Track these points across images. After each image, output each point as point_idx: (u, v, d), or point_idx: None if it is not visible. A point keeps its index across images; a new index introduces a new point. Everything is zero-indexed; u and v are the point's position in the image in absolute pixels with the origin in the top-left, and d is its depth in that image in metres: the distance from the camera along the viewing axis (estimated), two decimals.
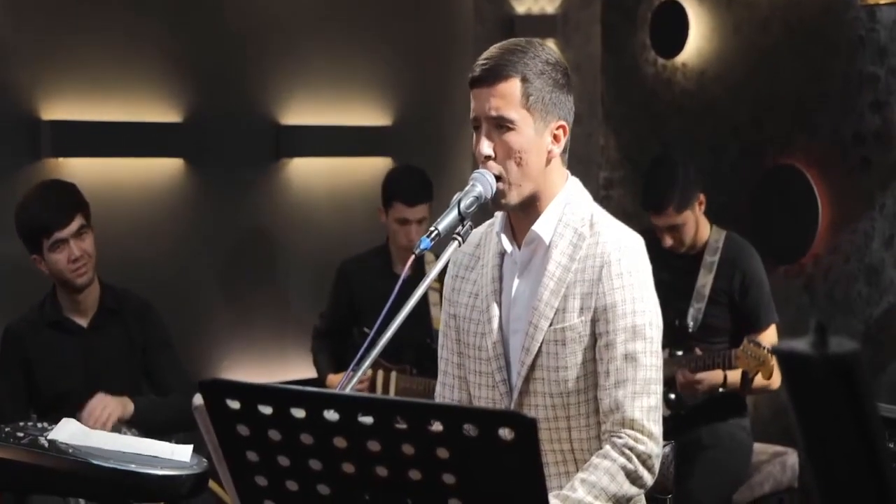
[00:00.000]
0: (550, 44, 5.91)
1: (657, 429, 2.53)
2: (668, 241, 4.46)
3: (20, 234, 3.93)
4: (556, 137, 2.59)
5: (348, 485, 1.83)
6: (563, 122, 2.60)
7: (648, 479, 2.52)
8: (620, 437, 2.50)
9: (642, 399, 2.52)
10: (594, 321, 2.54)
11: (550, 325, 2.56)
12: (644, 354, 2.53)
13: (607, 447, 2.51)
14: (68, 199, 3.91)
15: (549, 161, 2.59)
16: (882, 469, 1.32)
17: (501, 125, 2.53)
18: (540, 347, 2.57)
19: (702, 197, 4.50)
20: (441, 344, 2.79)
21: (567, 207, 2.61)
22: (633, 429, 2.50)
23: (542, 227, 2.59)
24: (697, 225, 4.49)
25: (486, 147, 2.54)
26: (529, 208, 2.60)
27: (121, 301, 4.07)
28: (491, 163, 2.54)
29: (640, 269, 2.58)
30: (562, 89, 2.59)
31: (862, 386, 1.28)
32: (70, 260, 3.86)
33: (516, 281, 2.64)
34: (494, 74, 2.53)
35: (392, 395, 4.60)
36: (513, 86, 2.52)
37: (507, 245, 2.63)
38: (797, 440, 1.35)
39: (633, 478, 2.49)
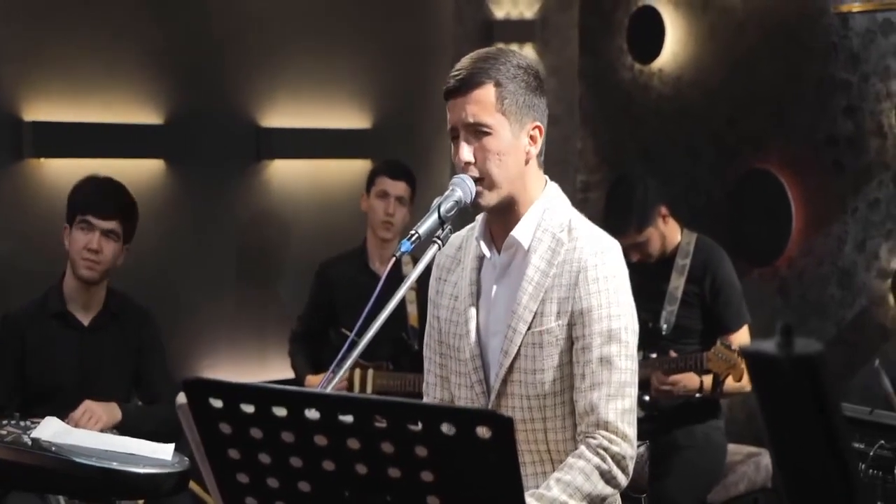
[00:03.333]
0: (529, 48, 5.97)
1: (631, 431, 2.58)
2: (636, 257, 4.50)
3: (69, 199, 4.03)
4: (532, 139, 2.63)
5: (328, 482, 1.86)
6: (538, 124, 2.65)
7: (622, 480, 2.56)
8: (595, 439, 2.54)
9: (617, 402, 2.56)
10: (571, 325, 2.58)
11: (529, 328, 2.60)
12: (619, 358, 2.57)
13: (582, 448, 2.55)
14: (119, 199, 4.03)
15: (526, 162, 2.63)
16: (847, 467, 1.35)
17: (479, 131, 2.58)
18: (518, 350, 2.61)
19: (664, 209, 4.54)
20: (426, 343, 2.83)
21: (546, 213, 2.65)
22: (607, 430, 2.55)
23: (521, 232, 2.63)
24: (663, 237, 4.55)
25: (466, 153, 2.58)
26: (508, 213, 2.64)
27: (123, 305, 4.12)
28: (471, 167, 2.58)
29: (616, 274, 2.62)
30: (535, 92, 2.64)
31: (827, 386, 1.32)
32: (86, 247, 3.92)
33: (495, 285, 2.68)
34: (468, 83, 2.57)
35: (369, 392, 4.65)
36: (487, 92, 2.57)
37: (486, 250, 2.68)
38: (765, 439, 1.39)
39: (608, 478, 2.53)
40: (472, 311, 2.68)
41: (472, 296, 2.69)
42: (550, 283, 2.60)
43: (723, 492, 4.55)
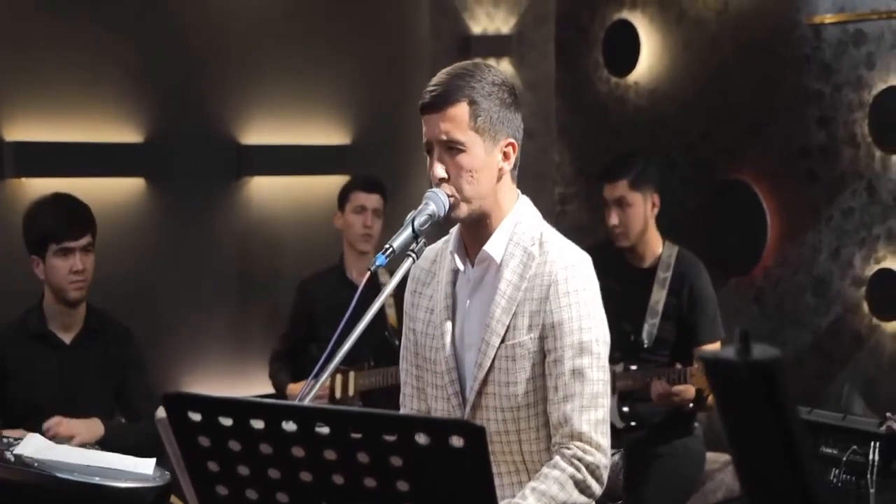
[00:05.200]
0: (506, 62, 6.01)
1: (605, 441, 2.61)
2: (614, 219, 4.51)
3: (28, 232, 4.00)
4: (505, 155, 2.66)
5: (306, 493, 1.89)
6: (511, 140, 2.68)
7: (597, 489, 2.60)
8: (569, 449, 2.58)
9: (590, 412, 2.59)
10: (542, 338, 2.62)
11: (502, 341, 2.63)
12: (591, 370, 2.60)
13: (557, 458, 2.58)
14: (84, 214, 4.02)
15: (499, 178, 2.66)
16: (805, 469, 1.38)
17: (452, 147, 2.61)
18: (492, 363, 2.64)
19: (656, 198, 4.58)
20: (402, 356, 2.86)
21: (518, 227, 2.68)
22: (581, 441, 2.58)
23: (493, 246, 2.67)
24: (647, 224, 4.56)
25: (439, 170, 2.62)
26: (480, 227, 2.68)
27: (103, 322, 4.12)
28: (445, 184, 2.62)
29: (586, 287, 2.65)
30: (509, 108, 2.67)
31: (784, 391, 1.35)
32: (72, 271, 3.93)
33: (469, 299, 2.72)
34: (443, 100, 2.60)
35: (352, 393, 4.69)
36: (461, 109, 2.60)
37: (460, 264, 2.71)
38: (726, 444, 1.42)
39: (582, 487, 2.57)
40: (448, 324, 2.72)
41: (447, 309, 2.72)
42: (522, 296, 2.63)
43: (701, 499, 4.59)
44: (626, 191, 4.52)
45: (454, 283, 2.74)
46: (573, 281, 2.63)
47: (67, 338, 4.05)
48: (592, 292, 2.66)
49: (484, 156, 2.62)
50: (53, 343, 4.02)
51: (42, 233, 3.96)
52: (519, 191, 2.75)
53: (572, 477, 2.56)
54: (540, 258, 2.64)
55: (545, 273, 2.63)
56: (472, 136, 2.61)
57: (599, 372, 2.62)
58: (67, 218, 3.97)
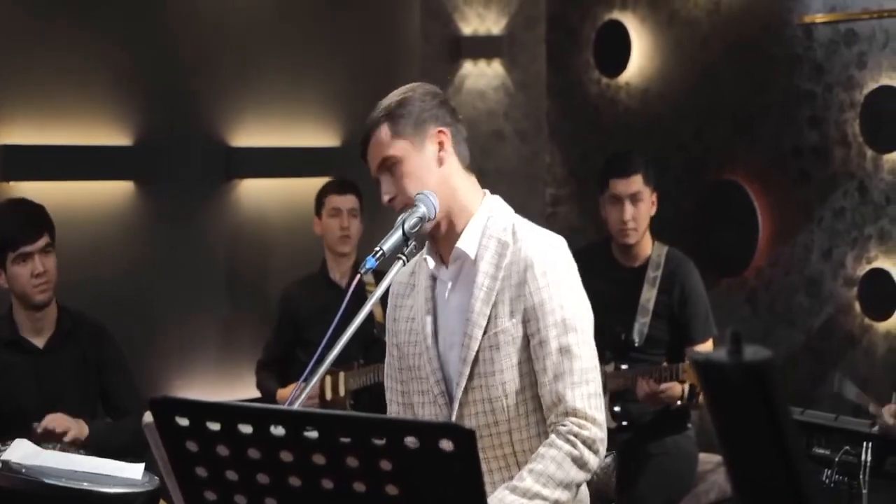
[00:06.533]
0: (496, 64, 6.00)
1: (600, 415, 2.63)
2: (628, 214, 4.50)
3: None
4: (440, 144, 2.70)
5: (295, 498, 1.87)
6: (440, 128, 2.71)
7: (594, 463, 2.61)
8: (565, 426, 2.59)
9: (582, 388, 2.61)
10: (525, 322, 2.64)
11: (484, 333, 2.65)
12: (577, 346, 2.62)
13: (552, 437, 2.60)
14: (38, 216, 3.97)
15: (440, 163, 2.68)
16: (797, 471, 1.37)
17: (388, 165, 2.68)
18: (476, 355, 2.66)
19: (655, 197, 4.58)
20: (386, 374, 2.89)
21: (490, 220, 2.71)
22: (576, 416, 2.60)
23: (465, 243, 2.69)
24: (648, 223, 4.57)
25: (384, 189, 2.69)
26: (448, 230, 2.71)
27: (76, 323, 4.09)
28: (395, 201, 2.68)
29: (562, 265, 2.67)
30: (432, 101, 2.72)
31: (776, 391, 1.34)
32: (33, 275, 3.89)
33: (447, 299, 2.73)
34: (366, 136, 2.72)
35: (342, 393, 4.68)
36: (381, 131, 2.69)
37: (431, 262, 2.73)
38: (717, 446, 1.41)
39: (580, 463, 2.58)
40: (430, 327, 2.73)
41: (428, 313, 2.74)
42: (500, 285, 2.65)
43: (693, 500, 4.59)
44: (641, 185, 4.52)
45: (433, 288, 2.76)
46: (549, 262, 2.65)
47: (40, 342, 4.02)
48: (569, 271, 2.69)
49: (416, 153, 2.67)
50: (26, 349, 4.00)
51: None
52: (486, 191, 2.78)
53: (569, 454, 2.57)
54: (514, 246, 2.67)
55: (520, 258, 2.65)
56: (398, 144, 2.67)
57: (586, 347, 2.64)
58: (21, 222, 3.93)
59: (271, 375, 4.90)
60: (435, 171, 2.68)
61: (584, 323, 2.66)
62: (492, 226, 2.69)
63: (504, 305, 2.64)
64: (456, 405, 2.69)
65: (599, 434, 2.61)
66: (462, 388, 2.68)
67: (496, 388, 2.65)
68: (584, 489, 2.76)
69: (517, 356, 2.65)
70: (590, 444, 2.59)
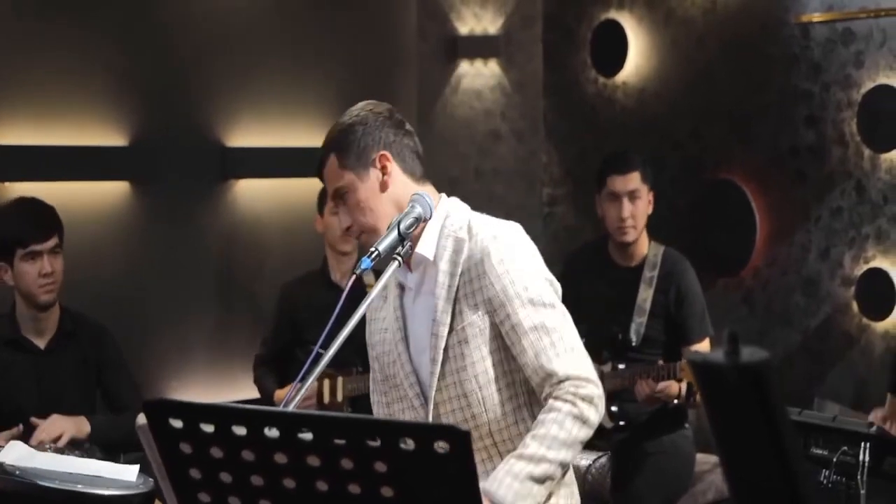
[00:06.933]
0: (493, 63, 5.99)
1: (592, 374, 2.64)
2: (627, 211, 4.49)
3: None
4: (383, 168, 2.73)
5: (290, 499, 1.87)
6: (382, 152, 2.74)
7: (595, 419, 2.62)
8: (562, 389, 2.60)
9: (567, 356, 2.63)
10: (490, 312, 2.66)
11: (451, 330, 2.68)
12: (550, 319, 2.64)
13: (550, 401, 2.61)
14: (50, 216, 3.98)
15: (384, 189, 2.72)
16: (793, 471, 1.37)
17: (340, 194, 2.74)
18: (446, 353, 2.68)
19: (651, 196, 4.58)
20: (371, 389, 2.92)
21: (447, 220, 2.73)
22: (570, 379, 2.61)
23: (424, 247, 2.71)
24: (645, 221, 4.56)
25: (342, 222, 2.78)
26: (411, 240, 2.70)
27: (78, 324, 4.09)
28: (352, 230, 2.75)
29: (518, 249, 2.69)
30: (371, 127, 2.74)
31: (773, 392, 1.34)
32: (41, 274, 3.89)
33: (414, 304, 2.76)
34: (320, 163, 2.76)
35: (340, 398, 4.67)
36: (330, 163, 2.75)
37: (400, 274, 2.75)
38: (714, 447, 1.41)
39: (582, 420, 2.59)
40: (400, 333, 2.77)
41: (397, 320, 2.78)
42: (460, 280, 2.68)
43: (691, 500, 4.58)
44: (639, 183, 4.52)
45: (401, 296, 2.80)
46: (503, 248, 2.67)
47: (42, 342, 4.02)
48: (525, 251, 2.71)
49: (363, 184, 2.72)
50: (27, 348, 3.99)
51: (7, 238, 3.91)
52: (443, 194, 2.80)
53: (570, 413, 2.59)
54: (470, 242, 2.69)
55: (476, 251, 2.68)
56: (346, 176, 2.73)
57: (559, 317, 2.67)
58: (32, 221, 3.93)
59: (270, 374, 4.88)
60: (382, 197, 2.73)
61: (552, 296, 2.68)
62: (448, 225, 2.72)
63: (468, 299, 2.67)
64: (431, 405, 2.72)
65: (596, 391, 2.62)
66: (435, 388, 2.70)
67: (469, 382, 2.68)
68: (576, 490, 2.76)
69: (487, 347, 2.67)
70: (589, 400, 2.60)
